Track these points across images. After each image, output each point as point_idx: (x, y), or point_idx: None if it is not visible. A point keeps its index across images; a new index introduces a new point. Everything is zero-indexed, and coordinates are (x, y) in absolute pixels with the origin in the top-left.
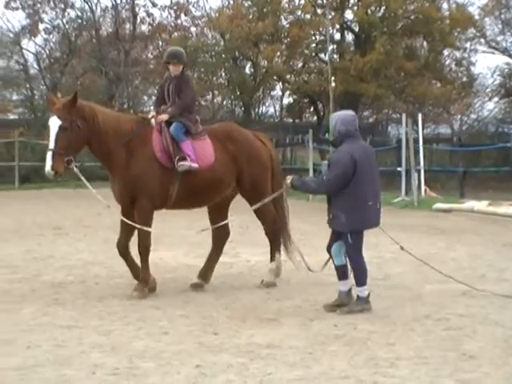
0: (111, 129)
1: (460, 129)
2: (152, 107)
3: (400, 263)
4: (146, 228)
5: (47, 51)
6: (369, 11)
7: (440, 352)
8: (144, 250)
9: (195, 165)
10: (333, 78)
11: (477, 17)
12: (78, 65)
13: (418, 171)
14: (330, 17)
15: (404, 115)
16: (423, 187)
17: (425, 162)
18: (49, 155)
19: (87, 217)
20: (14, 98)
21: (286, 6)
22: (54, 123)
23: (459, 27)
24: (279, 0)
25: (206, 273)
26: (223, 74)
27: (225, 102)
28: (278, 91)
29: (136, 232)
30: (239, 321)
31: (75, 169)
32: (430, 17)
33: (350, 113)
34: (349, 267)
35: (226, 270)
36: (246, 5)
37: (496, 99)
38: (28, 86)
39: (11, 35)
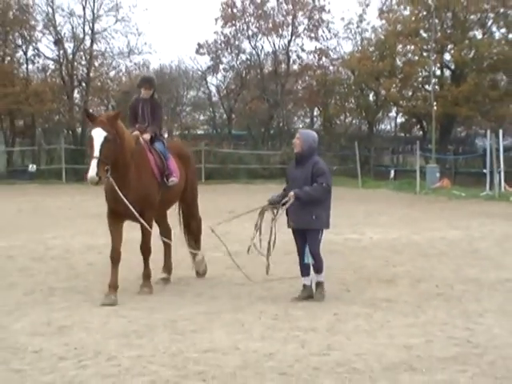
0: (128, 145)
1: None
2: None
3: (486, 240)
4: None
5: (225, 84)
6: (462, 53)
7: None
8: (147, 251)
9: (177, 180)
10: (435, 103)
11: None
12: (247, 94)
13: (499, 172)
14: (433, 58)
15: (488, 131)
16: (503, 184)
17: (504, 166)
18: (94, 162)
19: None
20: (201, 118)
21: (400, 50)
22: (99, 134)
23: None
24: (395, 46)
25: (169, 267)
26: (353, 101)
27: (354, 121)
28: (393, 113)
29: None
30: (365, 281)
31: (110, 178)
32: (508, 57)
33: (315, 133)
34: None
35: (355, 243)
36: (370, 49)
37: None
38: (211, 109)
39: (199, 73)
